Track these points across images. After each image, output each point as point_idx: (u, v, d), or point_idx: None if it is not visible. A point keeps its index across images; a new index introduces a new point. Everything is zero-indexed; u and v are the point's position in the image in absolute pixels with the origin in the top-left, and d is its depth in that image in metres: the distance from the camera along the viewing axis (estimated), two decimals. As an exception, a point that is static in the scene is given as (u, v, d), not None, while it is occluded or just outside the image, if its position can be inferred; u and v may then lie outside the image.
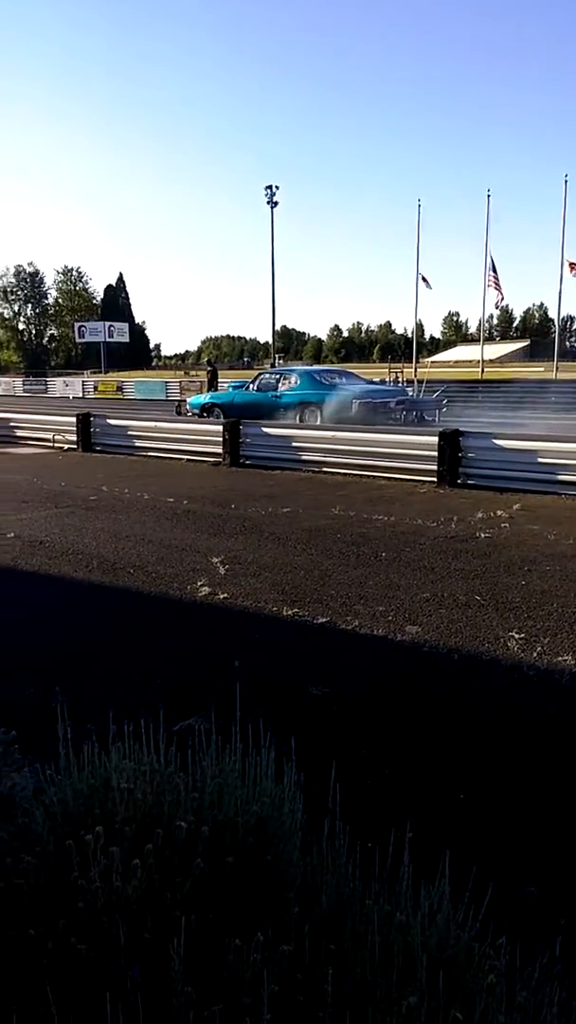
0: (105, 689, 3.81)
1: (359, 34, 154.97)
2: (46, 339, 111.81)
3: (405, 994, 1.23)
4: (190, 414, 17.64)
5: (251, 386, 17.46)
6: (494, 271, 33.86)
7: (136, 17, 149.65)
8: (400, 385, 24.48)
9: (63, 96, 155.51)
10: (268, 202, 45.66)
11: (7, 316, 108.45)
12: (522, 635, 4.56)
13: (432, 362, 61.84)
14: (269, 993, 1.18)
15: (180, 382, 37.16)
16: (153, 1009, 1.20)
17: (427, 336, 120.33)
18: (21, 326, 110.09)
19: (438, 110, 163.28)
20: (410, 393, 22.87)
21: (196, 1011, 1.18)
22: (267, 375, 17.75)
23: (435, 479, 10.01)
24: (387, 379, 28.17)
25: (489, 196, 35.44)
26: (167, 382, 40.48)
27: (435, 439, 10.10)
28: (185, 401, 20.14)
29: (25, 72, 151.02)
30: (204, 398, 18.57)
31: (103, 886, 1.37)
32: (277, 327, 55.51)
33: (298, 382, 16.34)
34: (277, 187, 45.63)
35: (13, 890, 1.40)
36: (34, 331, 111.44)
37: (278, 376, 17.16)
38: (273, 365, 43.96)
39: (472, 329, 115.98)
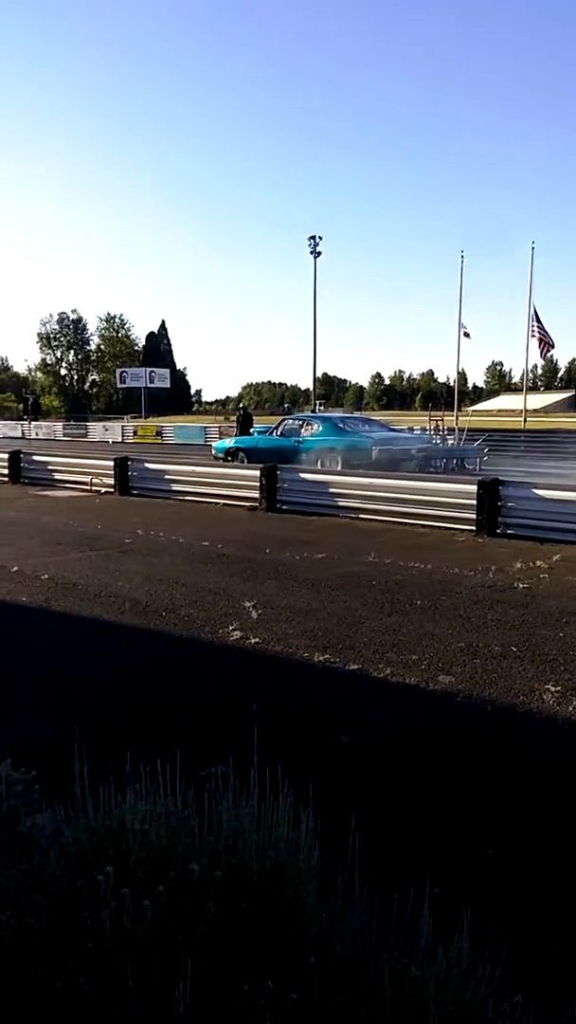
0: (127, 731, 3.80)
1: (394, 91, 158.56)
2: (88, 384, 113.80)
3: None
4: (215, 458, 17.83)
5: (275, 431, 17.71)
6: (538, 322, 33.85)
7: (180, 64, 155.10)
8: (427, 433, 24.50)
9: (111, 146, 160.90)
10: (311, 252, 46.58)
11: (50, 362, 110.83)
12: (558, 688, 4.46)
13: (474, 411, 61.86)
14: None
15: (219, 427, 37.56)
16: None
17: (470, 385, 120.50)
18: (63, 371, 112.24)
19: (485, 161, 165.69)
20: (441, 441, 22.87)
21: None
22: (291, 420, 18.03)
23: (474, 528, 9.93)
24: (428, 427, 28.21)
25: (533, 248, 35.69)
26: (206, 427, 40.98)
27: (474, 487, 10.04)
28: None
29: (72, 125, 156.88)
30: (229, 442, 18.79)
31: (112, 927, 1.36)
32: (318, 374, 56.12)
33: (320, 428, 16.61)
34: (320, 238, 46.58)
35: (25, 929, 1.40)
36: (76, 376, 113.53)
37: (301, 422, 17.41)
38: (314, 411, 44.33)
39: (516, 379, 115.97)
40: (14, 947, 1.38)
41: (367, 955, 1.56)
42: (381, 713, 4.17)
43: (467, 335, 35.32)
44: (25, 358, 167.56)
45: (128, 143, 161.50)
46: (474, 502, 9.94)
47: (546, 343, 33.72)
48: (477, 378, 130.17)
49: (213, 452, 18.80)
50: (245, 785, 1.88)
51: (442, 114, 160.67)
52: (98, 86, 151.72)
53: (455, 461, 20.00)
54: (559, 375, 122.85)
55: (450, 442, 23.37)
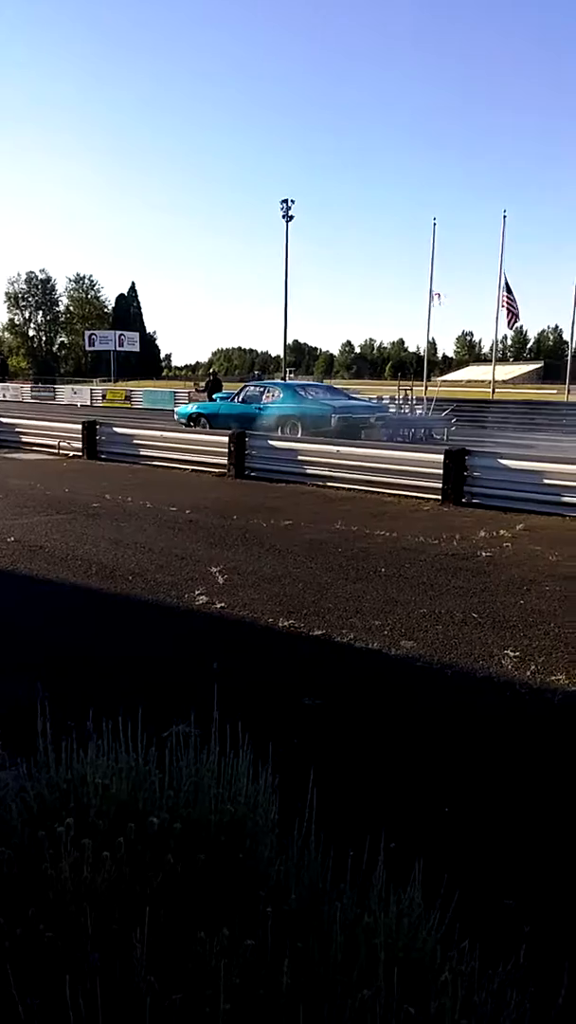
0: (91, 690, 3.82)
1: (370, 55, 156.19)
2: (56, 346, 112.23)
3: (362, 989, 1.25)
4: (178, 423, 17.76)
5: (236, 398, 17.71)
6: (508, 292, 33.81)
7: (158, 25, 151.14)
8: (387, 402, 24.58)
9: (82, 112, 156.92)
10: (283, 216, 45.96)
11: (17, 322, 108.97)
12: (517, 653, 4.57)
13: (444, 381, 61.87)
14: (231, 984, 1.20)
15: (188, 392, 37.26)
16: (115, 995, 1.22)
17: (440, 355, 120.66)
18: (31, 332, 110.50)
19: (457, 130, 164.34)
20: (409, 410, 22.96)
21: (157, 999, 1.20)
22: (252, 387, 17.97)
23: (439, 497, 10.03)
24: (396, 397, 28.27)
25: (505, 217, 35.51)
26: (175, 392, 40.61)
27: (440, 457, 10.13)
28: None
29: (42, 90, 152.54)
30: (191, 407, 18.79)
31: (72, 876, 1.40)
32: (289, 341, 55.77)
33: (280, 395, 16.60)
34: (293, 201, 45.90)
35: (-14, 879, 1.43)
36: (44, 338, 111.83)
37: (262, 389, 17.39)
38: (284, 378, 44.12)
39: (486, 349, 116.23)
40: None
41: (321, 904, 1.61)
42: (344, 677, 4.23)
43: (438, 301, 35.20)
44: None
45: (100, 99, 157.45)
46: (440, 471, 10.03)
47: (513, 314, 33.74)
48: (447, 348, 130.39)
49: (175, 417, 18.75)
50: (206, 743, 1.91)
51: (413, 77, 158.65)
52: (72, 38, 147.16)
53: (423, 431, 20.10)
54: (528, 346, 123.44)
55: (419, 412, 23.43)
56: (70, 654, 4.42)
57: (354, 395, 21.51)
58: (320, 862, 1.75)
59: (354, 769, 3.17)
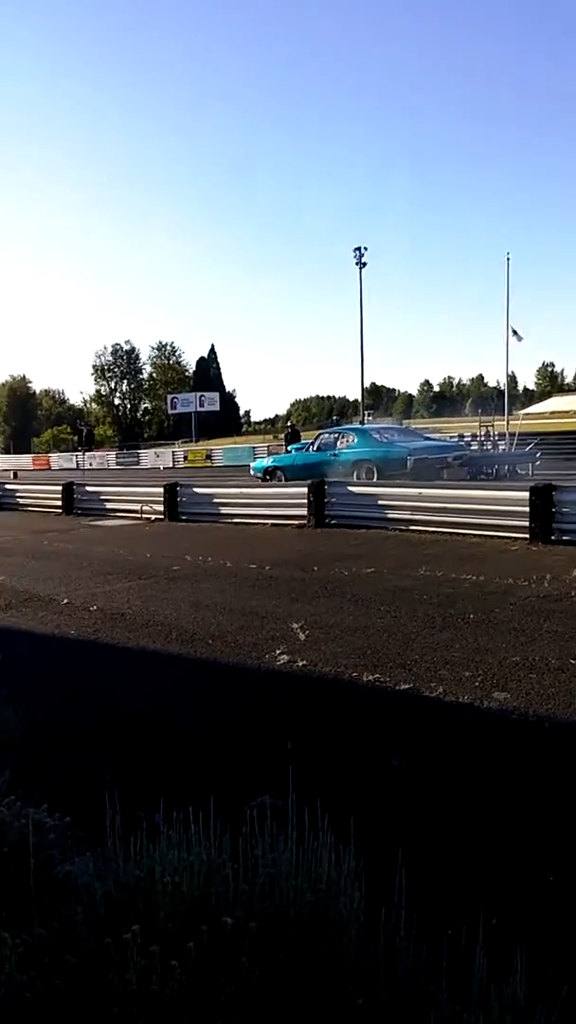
0: (165, 767, 3.73)
1: (439, 95, 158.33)
2: (140, 412, 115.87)
3: None
4: (255, 478, 17.84)
5: (311, 447, 17.68)
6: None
7: (225, 95, 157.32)
8: (463, 440, 24.22)
9: (162, 181, 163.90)
10: (357, 262, 46.58)
11: (104, 393, 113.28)
12: (619, 700, 4.28)
13: (526, 414, 60.75)
14: None
15: (267, 446, 37.72)
16: None
17: (521, 388, 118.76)
18: (116, 401, 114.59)
19: (528, 164, 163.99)
20: (491, 446, 22.56)
21: None
22: (326, 434, 17.98)
23: (528, 536, 9.72)
24: (478, 433, 27.85)
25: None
26: (254, 447, 41.20)
27: (526, 494, 9.84)
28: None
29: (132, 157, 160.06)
30: (266, 461, 18.88)
31: (139, 989, 1.30)
32: (367, 384, 55.99)
33: (355, 440, 16.54)
34: (366, 248, 46.52)
35: (51, 991, 1.34)
36: (129, 405, 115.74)
37: (337, 435, 17.36)
38: (362, 422, 44.20)
39: (568, 379, 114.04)
40: (39, 1010, 1.33)
41: (416, 1000, 1.47)
42: (433, 734, 4.04)
43: (518, 337, 34.69)
44: (81, 390, 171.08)
45: (173, 174, 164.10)
46: (527, 509, 9.73)
47: None
48: (528, 380, 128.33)
49: (251, 472, 18.82)
50: (284, 825, 1.80)
51: (484, 114, 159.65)
52: (145, 118, 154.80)
53: (507, 467, 19.67)
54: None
55: (501, 447, 22.98)
56: (143, 727, 4.33)
57: (430, 435, 21.36)
58: (412, 951, 1.61)
59: (446, 839, 2.98)
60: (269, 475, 17.56)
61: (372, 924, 1.69)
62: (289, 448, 21.73)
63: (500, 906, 2.37)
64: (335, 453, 16.40)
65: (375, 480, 14.40)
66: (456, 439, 25.04)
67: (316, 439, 18.01)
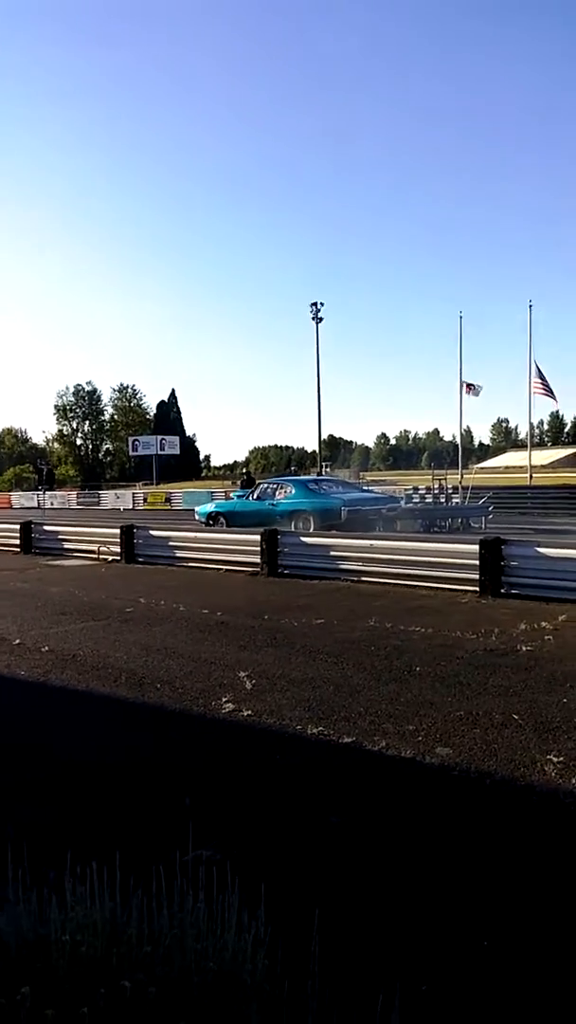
0: (90, 818, 3.64)
1: (395, 154, 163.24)
2: (102, 453, 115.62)
3: None
4: (200, 523, 18.32)
5: (252, 495, 18.36)
6: (541, 378, 34.08)
7: (183, 139, 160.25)
8: (415, 494, 25.00)
9: (120, 227, 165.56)
10: (313, 318, 47.42)
11: (66, 433, 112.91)
12: (561, 759, 4.28)
13: (481, 468, 61.77)
14: None
15: (225, 492, 37.77)
16: None
17: (476, 442, 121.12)
18: (79, 442, 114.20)
19: (480, 224, 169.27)
20: (445, 499, 23.05)
21: None
22: (265, 484, 18.60)
23: (477, 589, 9.79)
24: (432, 486, 28.22)
25: (531, 306, 36.19)
26: (212, 492, 41.19)
27: (476, 547, 9.92)
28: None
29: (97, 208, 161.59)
30: (210, 507, 19.34)
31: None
32: (324, 436, 56.60)
33: (293, 491, 17.14)
34: (322, 304, 47.52)
35: None
36: (91, 446, 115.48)
37: (276, 485, 17.95)
38: (319, 473, 44.55)
39: (522, 435, 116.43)
40: None
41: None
42: (374, 790, 4.00)
43: (474, 392, 35.52)
44: (43, 429, 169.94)
45: (131, 216, 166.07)
46: (477, 562, 9.81)
47: (547, 392, 33.97)
48: (483, 435, 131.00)
49: (196, 517, 19.26)
50: (193, 885, 1.75)
51: (439, 170, 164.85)
52: (95, 161, 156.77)
53: (460, 520, 19.92)
54: (566, 430, 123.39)
55: (455, 500, 23.30)
56: (79, 774, 4.24)
57: (367, 488, 22.23)
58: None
59: (380, 900, 2.93)
60: (212, 520, 18.10)
61: (293, 991, 1.64)
62: (232, 496, 22.20)
63: (430, 973, 2.33)
64: (273, 503, 17.01)
65: (328, 532, 14.47)
66: (410, 491, 25.48)
67: (255, 488, 18.82)
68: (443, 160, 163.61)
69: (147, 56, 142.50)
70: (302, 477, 24.52)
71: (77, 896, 1.65)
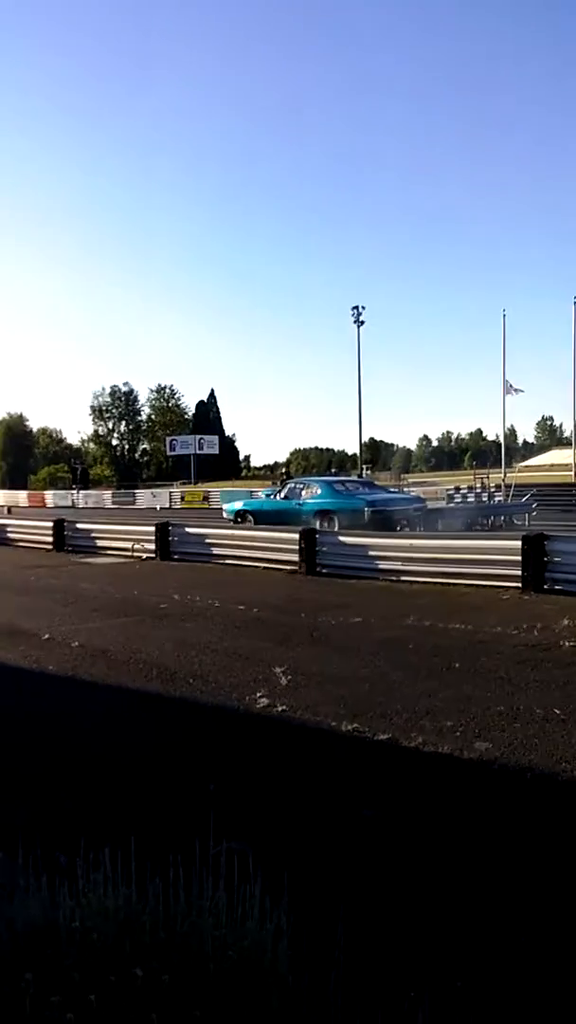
0: (116, 809, 3.58)
1: (440, 156, 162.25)
2: (138, 453, 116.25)
3: None
4: (227, 520, 18.53)
5: (279, 494, 18.71)
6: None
7: (231, 146, 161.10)
8: (457, 494, 25.22)
9: (161, 223, 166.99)
10: (355, 321, 47.33)
11: (102, 433, 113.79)
12: (604, 754, 4.14)
13: (525, 466, 60.85)
14: None
15: (263, 491, 37.75)
16: None
17: (520, 441, 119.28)
18: (115, 442, 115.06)
19: (523, 217, 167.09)
20: (488, 498, 22.86)
21: None
22: (293, 484, 18.98)
23: (519, 585, 9.60)
24: (474, 485, 27.96)
25: (576, 303, 35.64)
26: (252, 491, 41.17)
27: (518, 543, 9.75)
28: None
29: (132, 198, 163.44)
30: (238, 504, 19.70)
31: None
32: (365, 439, 56.47)
33: (319, 491, 17.48)
34: (363, 307, 47.46)
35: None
36: (127, 446, 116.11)
37: (303, 485, 18.31)
38: (360, 475, 44.40)
39: (567, 433, 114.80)
40: None
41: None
42: (410, 784, 3.89)
43: (517, 391, 35.05)
44: (79, 430, 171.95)
45: (166, 223, 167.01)
46: (519, 558, 9.63)
47: None
48: (528, 434, 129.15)
49: (224, 515, 19.47)
50: (214, 873, 1.67)
51: (480, 160, 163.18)
52: (143, 163, 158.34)
53: (503, 518, 19.68)
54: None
55: (497, 498, 23.03)
56: (102, 767, 4.19)
57: (393, 489, 22.74)
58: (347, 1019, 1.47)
59: (412, 892, 2.83)
60: (240, 518, 18.33)
61: (315, 984, 1.55)
62: (262, 494, 22.56)
63: (462, 969, 2.22)
64: (300, 502, 17.33)
65: (368, 531, 14.38)
66: (451, 491, 25.40)
67: (283, 487, 19.20)
68: (486, 154, 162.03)
69: (206, 65, 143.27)
70: (328, 478, 24.96)
71: (91, 883, 1.59)
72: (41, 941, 1.42)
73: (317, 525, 15.51)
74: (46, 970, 1.31)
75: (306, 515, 16.54)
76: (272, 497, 19.07)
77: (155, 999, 1.30)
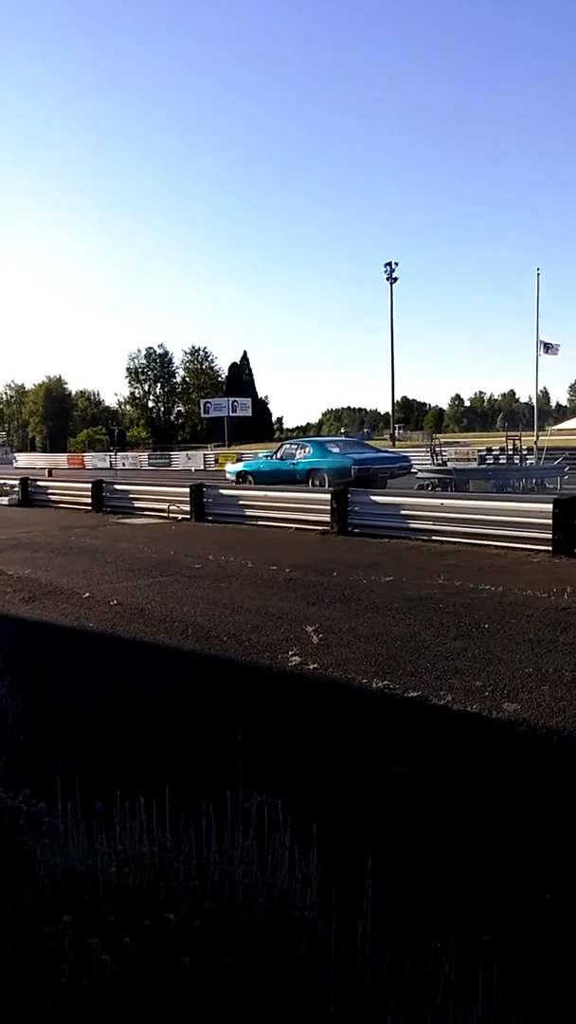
0: (148, 759, 3.69)
1: (471, 114, 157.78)
2: (174, 415, 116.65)
3: None
4: (229, 481, 19.07)
5: (275, 455, 19.39)
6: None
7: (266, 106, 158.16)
8: (488, 455, 25.40)
9: (190, 184, 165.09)
10: (388, 278, 46.63)
11: (138, 395, 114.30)
12: (633, 716, 4.15)
13: (557, 429, 59.93)
14: None
15: (263, 452, 37.80)
16: None
17: (553, 403, 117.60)
18: (150, 404, 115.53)
19: (561, 177, 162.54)
20: (519, 460, 22.67)
21: None
22: (288, 445, 19.69)
23: (550, 548, 9.54)
24: (505, 447, 27.68)
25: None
26: (256, 453, 41.18)
27: (549, 507, 9.66)
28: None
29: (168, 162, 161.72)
30: (239, 466, 20.54)
31: (71, 983, 1.24)
32: (398, 398, 55.95)
33: (310, 451, 18.32)
34: (396, 263, 46.74)
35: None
36: (163, 408, 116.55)
37: (297, 446, 19.04)
38: (393, 435, 44.12)
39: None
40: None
41: (368, 1017, 1.39)
42: (439, 742, 3.95)
43: (552, 350, 34.28)
44: (115, 392, 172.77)
45: (208, 184, 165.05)
46: (550, 521, 9.55)
47: None
48: (561, 396, 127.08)
49: (227, 476, 20.12)
50: (244, 823, 1.73)
51: (512, 124, 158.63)
52: (177, 129, 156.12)
53: (535, 481, 19.49)
54: None
55: (529, 461, 22.77)
56: (139, 720, 4.32)
57: (383, 449, 23.45)
58: (375, 966, 1.52)
59: (439, 848, 2.89)
60: (241, 478, 19.06)
61: (341, 931, 1.61)
62: (260, 455, 23.32)
63: (491, 924, 2.28)
64: (294, 462, 18.17)
65: (399, 490, 14.39)
66: (483, 452, 25.42)
67: (279, 448, 19.84)
68: (516, 116, 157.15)
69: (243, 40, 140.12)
70: (321, 438, 25.53)
71: (127, 830, 1.66)
72: (80, 886, 1.49)
73: (309, 483, 16.82)
74: (84, 913, 1.37)
75: (299, 474, 17.55)
76: (270, 458, 19.77)
77: (187, 944, 1.37)
